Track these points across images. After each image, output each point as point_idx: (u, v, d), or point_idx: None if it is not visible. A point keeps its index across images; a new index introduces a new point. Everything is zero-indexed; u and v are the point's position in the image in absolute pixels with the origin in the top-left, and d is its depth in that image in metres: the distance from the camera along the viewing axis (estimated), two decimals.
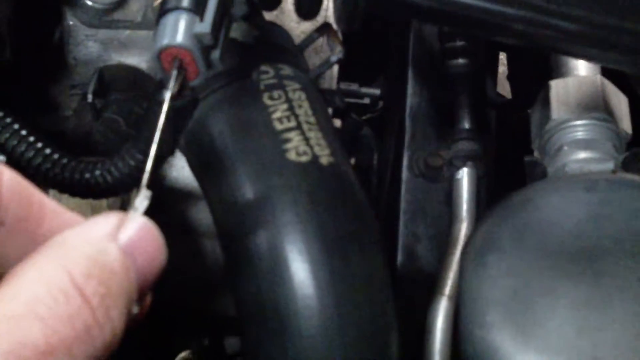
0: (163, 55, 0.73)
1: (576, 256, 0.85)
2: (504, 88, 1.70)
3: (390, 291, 0.86)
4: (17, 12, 1.02)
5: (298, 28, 1.14)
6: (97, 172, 0.82)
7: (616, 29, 0.78)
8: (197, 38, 0.74)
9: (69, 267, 0.48)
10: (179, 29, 0.73)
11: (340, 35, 1.02)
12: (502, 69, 1.57)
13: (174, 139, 0.77)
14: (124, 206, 1.04)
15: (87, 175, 0.82)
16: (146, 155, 0.73)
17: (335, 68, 1.18)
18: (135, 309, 0.52)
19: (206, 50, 0.75)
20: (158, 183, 1.03)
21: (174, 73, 0.72)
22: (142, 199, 0.56)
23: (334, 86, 1.19)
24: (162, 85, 0.72)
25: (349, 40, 1.09)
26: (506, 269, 0.86)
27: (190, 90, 0.74)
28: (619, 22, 0.78)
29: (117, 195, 0.87)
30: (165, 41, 0.73)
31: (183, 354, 1.07)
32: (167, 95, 0.69)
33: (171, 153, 0.80)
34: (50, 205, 0.55)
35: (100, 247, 0.50)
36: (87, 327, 0.47)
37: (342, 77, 1.27)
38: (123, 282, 0.50)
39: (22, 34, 1.03)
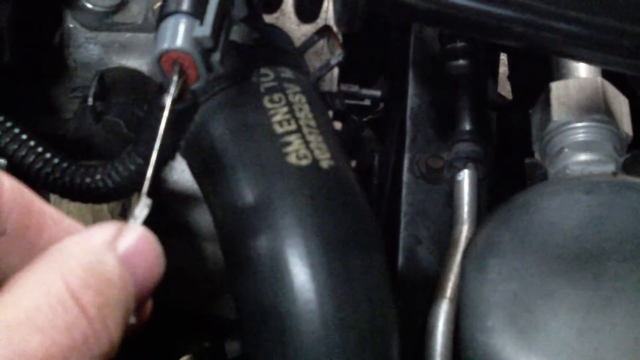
0: (163, 59, 0.73)
1: (577, 259, 0.85)
2: (505, 88, 1.70)
3: (391, 294, 0.85)
4: (17, 15, 1.02)
5: (298, 30, 1.14)
6: (98, 177, 0.82)
7: (616, 31, 0.78)
8: (197, 42, 0.73)
9: (66, 277, 0.48)
10: (178, 33, 0.73)
11: (340, 37, 1.01)
12: (503, 69, 1.57)
13: (175, 142, 0.77)
14: (125, 210, 1.04)
15: (88, 179, 0.82)
16: (146, 159, 0.73)
17: (336, 70, 1.18)
18: (133, 319, 0.52)
19: (206, 53, 0.75)
20: (158, 186, 1.03)
21: (175, 77, 0.71)
22: (141, 208, 0.56)
23: (334, 88, 1.19)
24: (162, 90, 0.72)
25: (349, 41, 1.09)
26: (507, 273, 0.86)
27: (191, 94, 0.74)
28: (619, 24, 0.78)
29: (118, 199, 0.87)
30: (165, 45, 0.72)
31: (184, 358, 1.07)
32: (168, 100, 0.69)
33: (172, 157, 0.80)
34: (50, 213, 0.55)
35: (98, 257, 0.50)
36: (84, 337, 0.47)
37: (342, 78, 1.26)
38: (120, 293, 0.50)
39: (23, 36, 1.03)
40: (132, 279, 0.51)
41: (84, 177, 0.82)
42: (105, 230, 0.52)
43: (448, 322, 0.98)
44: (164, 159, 0.77)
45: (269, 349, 0.82)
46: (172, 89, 0.70)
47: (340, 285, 0.80)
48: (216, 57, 0.75)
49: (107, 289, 0.49)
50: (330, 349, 0.79)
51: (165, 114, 0.67)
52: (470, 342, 0.86)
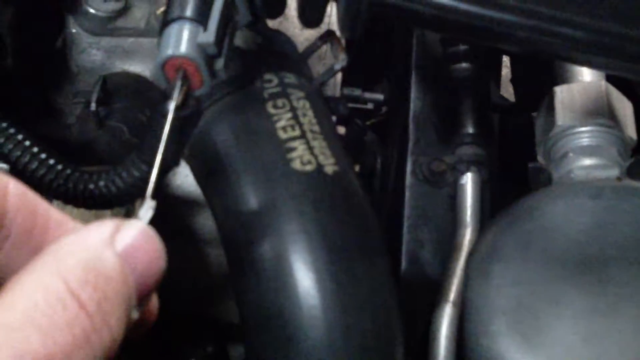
0: (167, 65, 0.72)
1: (581, 264, 0.85)
2: (507, 91, 1.70)
3: (395, 299, 0.86)
4: (19, 19, 1.02)
5: (302, 35, 1.14)
6: (101, 183, 0.81)
7: (621, 36, 0.78)
8: (201, 48, 0.73)
9: (64, 274, 0.48)
10: (182, 39, 0.73)
11: (343, 42, 1.01)
12: (505, 71, 1.57)
13: (179, 149, 0.77)
14: (128, 216, 1.03)
15: (91, 186, 0.82)
16: (150, 165, 0.73)
17: (339, 75, 1.18)
18: (135, 315, 0.52)
19: (210, 59, 0.74)
20: (162, 191, 1.03)
21: (179, 84, 0.71)
22: (146, 209, 0.56)
23: (337, 93, 1.19)
24: (166, 96, 0.71)
25: (352, 45, 1.09)
26: (511, 278, 0.86)
27: (194, 100, 0.74)
28: (624, 29, 0.78)
29: (122, 205, 0.87)
30: (169, 52, 0.72)
31: None
32: (172, 106, 0.69)
33: (176, 164, 0.80)
34: (55, 216, 0.55)
35: (96, 254, 0.50)
36: (85, 333, 0.47)
37: (345, 82, 1.26)
38: (120, 288, 0.50)
39: (25, 42, 1.03)
40: (133, 274, 0.51)
41: (88, 184, 0.82)
42: (102, 228, 0.52)
43: (451, 326, 0.97)
44: (168, 166, 0.77)
45: (272, 354, 0.82)
46: (176, 95, 0.70)
47: (344, 290, 0.81)
48: (220, 63, 0.75)
49: (106, 286, 0.49)
50: (334, 354, 0.80)
51: (169, 120, 0.67)
52: (474, 347, 0.86)
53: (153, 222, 0.55)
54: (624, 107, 1.03)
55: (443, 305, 0.98)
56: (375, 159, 1.39)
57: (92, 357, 0.47)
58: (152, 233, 0.53)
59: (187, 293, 1.06)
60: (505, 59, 1.57)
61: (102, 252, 0.50)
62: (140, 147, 0.80)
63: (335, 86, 1.18)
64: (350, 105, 1.31)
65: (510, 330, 0.82)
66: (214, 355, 1.11)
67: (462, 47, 1.22)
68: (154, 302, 0.57)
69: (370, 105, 1.39)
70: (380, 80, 1.47)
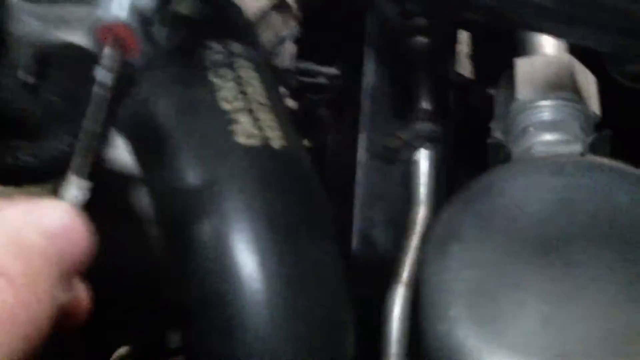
0: (100, 30, 0.70)
1: (543, 244, 0.84)
2: (466, 68, 1.68)
3: (344, 282, 0.83)
4: None
5: (254, 5, 1.11)
6: (23, 157, 0.79)
7: (594, 5, 0.76)
8: (138, 11, 0.70)
9: None
10: (117, 2, 0.70)
11: (296, 12, 0.99)
12: (463, 47, 1.55)
13: (111, 119, 0.74)
14: (55, 193, 1.01)
15: (10, 160, 0.79)
16: (76, 137, 0.70)
17: (292, 47, 1.15)
18: (62, 294, 0.51)
19: (149, 25, 0.72)
20: (96, 166, 1.01)
21: (110, 50, 0.68)
22: (70, 188, 0.56)
23: (291, 65, 1.16)
24: (98, 64, 0.68)
25: (309, 18, 1.06)
26: (469, 259, 0.84)
27: (129, 68, 0.70)
28: None
29: (47, 181, 0.84)
30: (102, 14, 0.70)
31: (121, 351, 1.04)
32: (101, 74, 0.65)
33: (106, 136, 0.77)
34: None
35: (17, 228, 0.49)
36: (9, 304, 0.45)
37: (301, 56, 1.24)
38: (43, 263, 0.49)
39: None
40: (56, 252, 0.50)
41: (5, 157, 0.79)
42: (24, 205, 0.51)
43: (404, 307, 0.95)
44: (99, 138, 0.74)
45: (213, 341, 0.79)
46: (106, 63, 0.67)
47: (289, 273, 0.78)
48: (161, 30, 0.72)
49: (29, 259, 0.48)
50: (279, 340, 0.77)
51: (96, 89, 0.64)
52: (430, 333, 0.84)
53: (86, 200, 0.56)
54: (587, 81, 1.02)
55: (396, 286, 0.96)
56: (327, 135, 1.37)
57: (18, 330, 0.46)
58: (75, 212, 0.52)
59: (125, 276, 1.02)
60: (463, 35, 1.56)
61: (23, 227, 0.49)
62: (68, 117, 0.77)
63: (288, 58, 1.16)
64: (304, 79, 1.29)
65: (469, 315, 0.81)
66: (150, 343, 1.08)
67: (420, 21, 1.19)
68: (85, 292, 0.57)
69: (323, 80, 1.37)
70: (338, 55, 1.45)
